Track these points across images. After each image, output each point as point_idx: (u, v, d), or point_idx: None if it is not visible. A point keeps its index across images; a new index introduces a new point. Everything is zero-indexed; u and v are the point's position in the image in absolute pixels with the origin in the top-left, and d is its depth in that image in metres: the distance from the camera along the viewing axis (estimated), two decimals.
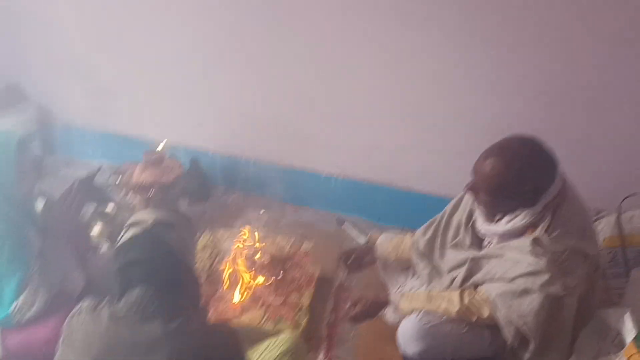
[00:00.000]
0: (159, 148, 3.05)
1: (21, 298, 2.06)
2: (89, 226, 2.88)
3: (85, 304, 1.55)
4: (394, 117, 2.91)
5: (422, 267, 2.23)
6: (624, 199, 2.39)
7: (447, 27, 2.57)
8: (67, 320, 1.55)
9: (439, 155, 2.91)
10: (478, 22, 2.50)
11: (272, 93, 3.12)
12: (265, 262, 2.65)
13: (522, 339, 1.88)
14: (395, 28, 2.67)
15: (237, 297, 2.47)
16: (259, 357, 1.88)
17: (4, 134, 2.14)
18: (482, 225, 1.99)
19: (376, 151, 3.05)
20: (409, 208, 3.04)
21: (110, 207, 3.03)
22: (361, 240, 3.00)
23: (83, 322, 1.50)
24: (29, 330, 2.11)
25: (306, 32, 2.86)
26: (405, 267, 2.38)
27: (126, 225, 1.59)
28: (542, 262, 1.75)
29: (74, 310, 1.56)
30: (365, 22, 2.70)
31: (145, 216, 1.58)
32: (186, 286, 1.56)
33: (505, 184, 1.80)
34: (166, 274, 1.51)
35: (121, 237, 1.56)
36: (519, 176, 1.78)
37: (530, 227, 1.85)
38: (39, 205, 2.39)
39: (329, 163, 3.19)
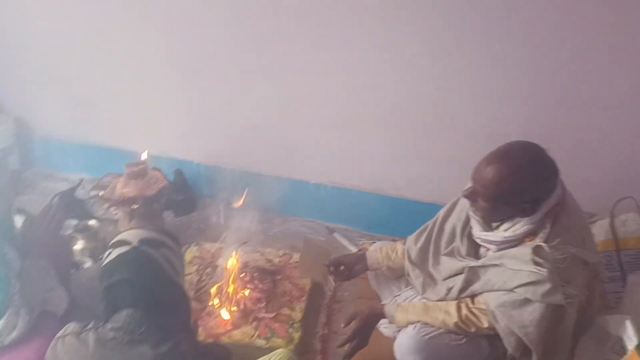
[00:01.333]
0: (142, 158, 2.97)
1: (2, 321, 1.96)
2: (70, 242, 2.79)
3: (70, 327, 1.49)
4: (384, 125, 2.88)
5: (415, 277, 2.18)
6: (617, 202, 2.39)
7: (437, 33, 2.56)
8: (51, 346, 1.49)
9: (429, 162, 2.88)
10: (468, 28, 2.48)
11: (257, 101, 3.06)
12: (254, 276, 2.59)
13: (524, 349, 1.85)
14: (384, 34, 2.65)
15: (226, 314, 2.40)
16: None
17: None
18: (479, 232, 1.95)
19: (366, 159, 3.01)
20: (401, 216, 3.00)
21: (92, 222, 2.95)
22: (352, 249, 2.96)
23: (68, 348, 1.45)
24: (11, 355, 2.01)
25: (293, 39, 2.82)
26: (398, 276, 2.33)
27: (110, 244, 1.53)
28: (543, 272, 1.71)
29: (58, 335, 1.50)
30: (354, 29, 2.67)
31: (130, 235, 1.52)
32: (176, 306, 1.50)
33: (506, 192, 1.76)
34: (155, 295, 1.45)
35: (106, 257, 1.49)
36: (520, 184, 1.75)
37: (529, 235, 1.82)
38: (18, 222, 2.31)
39: (318, 171, 3.14)
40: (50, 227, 2.25)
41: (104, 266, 1.48)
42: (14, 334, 1.99)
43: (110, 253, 1.48)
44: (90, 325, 1.46)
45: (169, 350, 1.37)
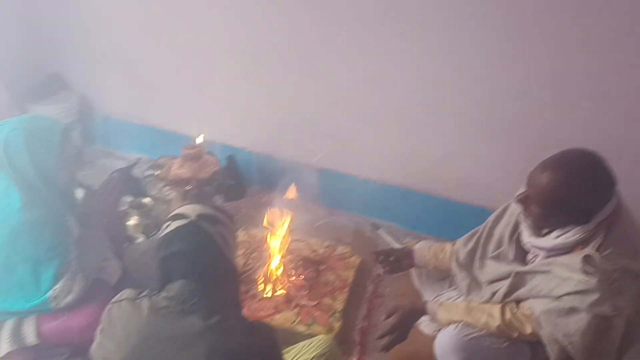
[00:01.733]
0: (197, 142, 3.05)
1: (59, 285, 2.06)
2: (125, 218, 2.89)
3: (125, 293, 1.55)
4: (437, 124, 2.88)
5: (461, 278, 2.18)
6: None
7: (497, 32, 2.53)
8: (106, 309, 1.55)
9: (482, 166, 2.86)
10: (536, 32, 2.45)
11: (312, 94, 3.10)
12: (299, 264, 2.63)
13: (566, 359, 1.82)
14: (442, 33, 2.64)
15: (270, 296, 2.45)
16: (293, 358, 1.86)
17: (50, 121, 2.15)
18: (528, 238, 1.93)
19: (416, 157, 3.01)
20: (447, 217, 2.99)
21: (146, 200, 3.05)
22: (396, 247, 2.97)
23: (123, 312, 1.50)
24: (66, 317, 2.11)
25: (352, 36, 2.84)
26: (442, 277, 2.33)
27: (169, 217, 1.58)
28: (592, 281, 1.68)
29: (114, 299, 1.56)
30: (413, 28, 2.68)
31: (189, 209, 1.57)
32: (227, 282, 1.55)
33: (561, 200, 1.74)
34: (209, 268, 1.50)
35: (165, 229, 1.54)
36: (577, 193, 1.72)
37: (581, 244, 1.79)
38: (79, 194, 2.41)
39: (367, 167, 3.16)
40: (109, 200, 2.34)
41: (161, 237, 1.53)
42: (69, 298, 2.09)
43: (169, 225, 1.53)
44: (145, 293, 1.52)
45: (218, 323, 1.41)
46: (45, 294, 2.05)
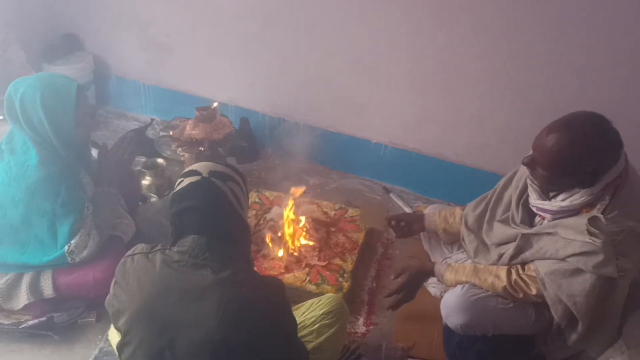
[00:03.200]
0: (213, 106, 3.07)
1: (74, 239, 2.12)
2: (139, 177, 2.94)
3: (139, 247, 1.59)
4: (449, 91, 2.87)
5: (469, 242, 2.20)
6: None
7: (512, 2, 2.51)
8: (120, 263, 1.59)
9: (492, 131, 2.86)
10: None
11: (325, 57, 3.09)
12: (310, 225, 2.66)
13: (570, 320, 1.85)
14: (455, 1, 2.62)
15: (280, 255, 2.49)
16: (302, 315, 1.89)
17: (66, 79, 2.17)
18: (535, 201, 1.94)
19: (429, 123, 3.01)
20: (458, 182, 3.01)
21: (160, 160, 3.08)
22: (407, 210, 2.99)
23: (136, 265, 1.53)
24: (81, 271, 2.17)
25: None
26: (451, 241, 2.36)
27: (182, 174, 1.61)
28: (597, 242, 1.69)
29: (128, 253, 1.60)
30: None
31: (202, 166, 1.59)
32: (239, 237, 1.58)
33: (566, 161, 1.74)
34: (220, 223, 1.53)
35: (178, 185, 1.57)
36: (582, 154, 1.72)
37: (587, 206, 1.80)
38: (94, 152, 2.45)
39: (379, 131, 3.16)
40: (124, 158, 2.37)
41: (174, 192, 1.56)
42: (85, 253, 2.15)
43: (181, 181, 1.56)
44: (158, 247, 1.55)
45: (229, 276, 1.44)
46: (61, 248, 2.12)
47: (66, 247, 2.11)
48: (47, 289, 2.17)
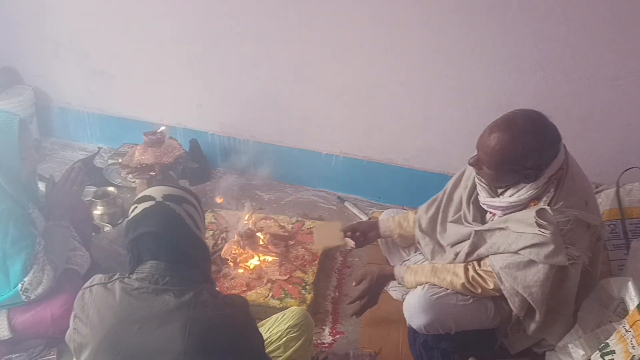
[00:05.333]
0: (160, 129, 3.04)
1: (28, 277, 2.06)
2: (90, 207, 2.88)
3: (96, 278, 1.56)
4: (394, 96, 2.93)
5: (424, 244, 2.25)
6: (623, 172, 2.42)
7: (446, 6, 2.59)
8: (78, 296, 1.55)
9: (439, 134, 2.93)
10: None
11: (270, 72, 3.12)
12: (268, 241, 2.67)
13: (528, 310, 1.92)
14: (393, 4, 2.68)
15: (241, 274, 2.48)
16: (268, 330, 1.89)
17: (7, 114, 2.12)
18: (485, 199, 2.00)
19: (376, 130, 3.06)
20: (409, 186, 3.07)
21: (110, 189, 3.04)
22: (363, 218, 3.03)
23: (95, 297, 1.50)
24: (37, 308, 2.11)
25: (306, 12, 2.87)
26: (408, 244, 2.40)
27: (135, 200, 1.59)
28: (546, 234, 1.77)
29: (85, 285, 1.56)
30: (366, 3, 2.71)
31: (154, 191, 1.58)
32: (198, 259, 1.57)
33: (509, 159, 1.81)
34: (178, 246, 1.51)
35: (132, 212, 1.55)
36: (524, 151, 1.79)
37: (534, 199, 1.88)
38: (42, 185, 2.40)
39: (329, 142, 3.20)
40: (73, 189, 2.32)
41: (129, 220, 1.54)
42: (40, 289, 2.09)
43: (135, 208, 1.54)
44: (116, 276, 1.52)
45: (191, 299, 1.43)
46: (15, 287, 2.05)
47: (20, 286, 2.05)
48: (3, 331, 2.10)
